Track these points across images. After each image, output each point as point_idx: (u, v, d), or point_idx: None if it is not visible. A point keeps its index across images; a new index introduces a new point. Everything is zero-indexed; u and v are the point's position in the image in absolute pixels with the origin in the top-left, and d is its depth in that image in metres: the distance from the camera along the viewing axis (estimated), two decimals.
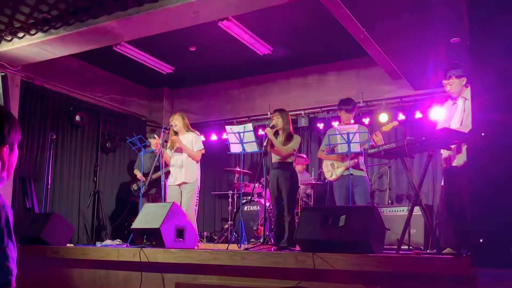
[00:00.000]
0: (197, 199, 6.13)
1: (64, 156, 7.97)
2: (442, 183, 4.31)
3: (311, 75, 8.52)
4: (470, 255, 2.67)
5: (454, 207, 4.00)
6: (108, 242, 6.86)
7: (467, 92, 4.07)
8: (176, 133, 5.97)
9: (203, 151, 6.06)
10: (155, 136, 7.00)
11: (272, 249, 4.91)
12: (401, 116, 7.63)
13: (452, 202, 4.03)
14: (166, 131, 6.00)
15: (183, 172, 5.81)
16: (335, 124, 7.37)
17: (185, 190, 5.78)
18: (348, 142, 5.09)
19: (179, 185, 5.82)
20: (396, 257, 3.17)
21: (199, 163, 5.99)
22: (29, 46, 6.18)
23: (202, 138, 9.03)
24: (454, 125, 4.06)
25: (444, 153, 4.16)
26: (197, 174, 5.92)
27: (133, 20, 5.48)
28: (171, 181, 5.90)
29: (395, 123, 5.59)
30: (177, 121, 5.95)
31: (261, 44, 7.40)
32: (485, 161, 2.57)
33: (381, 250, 3.50)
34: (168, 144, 6.03)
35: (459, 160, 3.98)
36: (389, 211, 6.52)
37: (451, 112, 4.22)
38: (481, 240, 2.47)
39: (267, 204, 6.35)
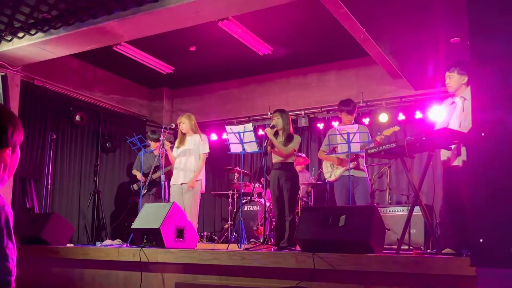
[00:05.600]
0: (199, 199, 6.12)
1: (64, 156, 7.98)
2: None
3: (311, 75, 8.52)
4: (470, 255, 2.66)
5: (453, 207, 3.99)
6: (108, 242, 6.86)
7: (467, 92, 4.07)
8: (184, 135, 5.97)
9: (207, 155, 6.08)
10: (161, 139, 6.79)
11: (272, 249, 4.91)
12: (401, 116, 7.63)
13: (451, 202, 4.03)
14: (166, 131, 6.00)
15: (187, 173, 5.81)
16: (335, 124, 7.37)
17: (190, 190, 5.78)
18: (348, 142, 5.09)
19: (182, 184, 5.82)
20: (396, 257, 3.17)
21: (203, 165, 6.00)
22: (29, 46, 6.18)
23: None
24: (453, 125, 4.05)
25: (444, 153, 4.15)
26: (202, 175, 5.92)
27: (133, 20, 5.48)
28: (174, 180, 5.89)
29: (397, 128, 5.58)
30: (184, 124, 5.95)
31: (261, 44, 7.40)
32: (485, 161, 2.57)
33: (381, 250, 3.50)
34: (176, 144, 6.03)
35: (459, 160, 3.98)
36: (389, 211, 6.53)
37: (449, 112, 4.21)
38: (481, 240, 2.47)
39: (267, 204, 6.35)
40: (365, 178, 5.49)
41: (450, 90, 4.23)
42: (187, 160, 5.86)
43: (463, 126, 3.94)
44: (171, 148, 6.08)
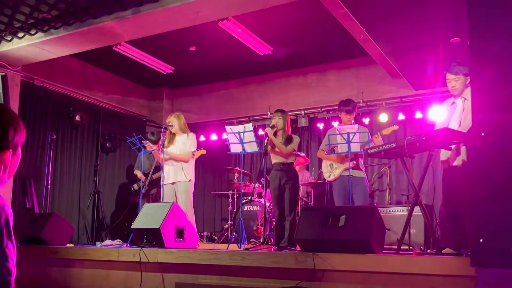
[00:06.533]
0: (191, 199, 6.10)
1: (64, 156, 7.98)
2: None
3: (311, 75, 8.52)
4: (470, 255, 2.66)
5: (453, 207, 3.99)
6: (108, 242, 6.85)
7: (467, 92, 4.06)
8: (173, 134, 5.95)
9: (200, 152, 6.04)
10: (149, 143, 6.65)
11: (272, 249, 4.91)
12: (401, 116, 7.63)
13: (451, 202, 4.02)
14: (166, 131, 5.99)
15: (177, 172, 5.80)
16: (335, 124, 7.38)
17: (180, 190, 5.77)
18: (348, 142, 5.09)
19: (172, 183, 5.81)
20: (396, 257, 3.17)
21: (193, 163, 5.97)
22: (29, 46, 6.18)
23: (202, 138, 9.07)
24: (453, 125, 4.04)
25: (444, 153, 4.15)
26: (191, 173, 5.90)
27: (133, 20, 5.48)
28: (165, 180, 5.88)
29: (395, 127, 5.57)
30: (173, 123, 5.92)
31: (261, 44, 7.40)
32: (485, 161, 2.57)
33: (381, 250, 3.50)
34: (165, 143, 6.02)
35: (458, 159, 3.98)
36: (389, 211, 6.53)
37: (450, 112, 4.19)
38: (481, 240, 2.47)
39: (267, 204, 6.35)
40: (364, 178, 5.50)
41: (455, 92, 4.15)
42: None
43: (463, 126, 3.93)
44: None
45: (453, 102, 4.20)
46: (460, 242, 3.84)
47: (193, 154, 5.88)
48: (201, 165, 8.85)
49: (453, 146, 3.97)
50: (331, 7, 5.19)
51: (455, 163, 4.00)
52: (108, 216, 8.65)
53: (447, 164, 4.09)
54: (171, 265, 3.95)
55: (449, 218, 4.03)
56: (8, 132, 1.51)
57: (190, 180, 5.82)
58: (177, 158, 5.80)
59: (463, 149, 3.92)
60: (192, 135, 5.97)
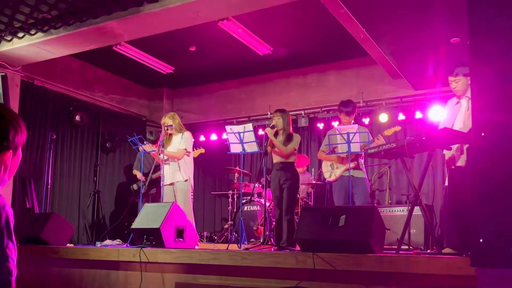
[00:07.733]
0: (191, 198, 6.09)
1: (64, 156, 7.98)
2: (446, 183, 4.29)
3: (311, 75, 8.52)
4: (470, 255, 2.66)
5: (457, 207, 3.99)
6: (108, 242, 6.85)
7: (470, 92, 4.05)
8: (170, 135, 5.93)
9: (199, 151, 6.01)
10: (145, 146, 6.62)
11: (272, 249, 4.92)
12: (401, 116, 7.64)
13: (455, 201, 4.02)
14: (168, 131, 5.98)
15: (175, 172, 5.80)
16: (335, 124, 7.38)
17: (178, 189, 5.76)
18: (348, 142, 5.10)
19: (171, 184, 5.81)
20: (396, 257, 3.17)
21: (191, 162, 5.97)
22: (29, 46, 6.18)
23: (202, 138, 9.07)
24: (457, 125, 4.04)
25: (448, 153, 4.14)
26: (189, 173, 5.89)
27: (133, 20, 5.48)
28: (164, 180, 5.88)
29: (398, 128, 5.56)
30: (169, 123, 5.90)
31: (261, 44, 7.40)
32: (485, 161, 2.56)
33: (381, 250, 3.50)
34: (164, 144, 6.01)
35: (463, 160, 3.98)
36: (389, 211, 6.53)
37: (454, 112, 4.19)
38: (481, 240, 2.47)
39: (267, 204, 6.35)
40: (364, 178, 5.50)
41: (458, 93, 4.17)
42: (173, 159, 5.84)
43: (467, 125, 3.92)
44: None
45: (458, 102, 4.21)
46: (464, 243, 3.83)
47: (187, 152, 5.86)
48: (201, 165, 8.85)
49: (455, 146, 3.97)
50: (331, 7, 5.19)
51: (459, 163, 4.00)
52: (108, 216, 8.66)
53: (452, 164, 4.09)
54: (171, 265, 3.95)
55: (453, 217, 4.03)
56: (9, 133, 1.52)
57: (187, 180, 5.79)
58: (170, 156, 5.80)
59: (465, 148, 3.92)
60: (187, 134, 5.92)
